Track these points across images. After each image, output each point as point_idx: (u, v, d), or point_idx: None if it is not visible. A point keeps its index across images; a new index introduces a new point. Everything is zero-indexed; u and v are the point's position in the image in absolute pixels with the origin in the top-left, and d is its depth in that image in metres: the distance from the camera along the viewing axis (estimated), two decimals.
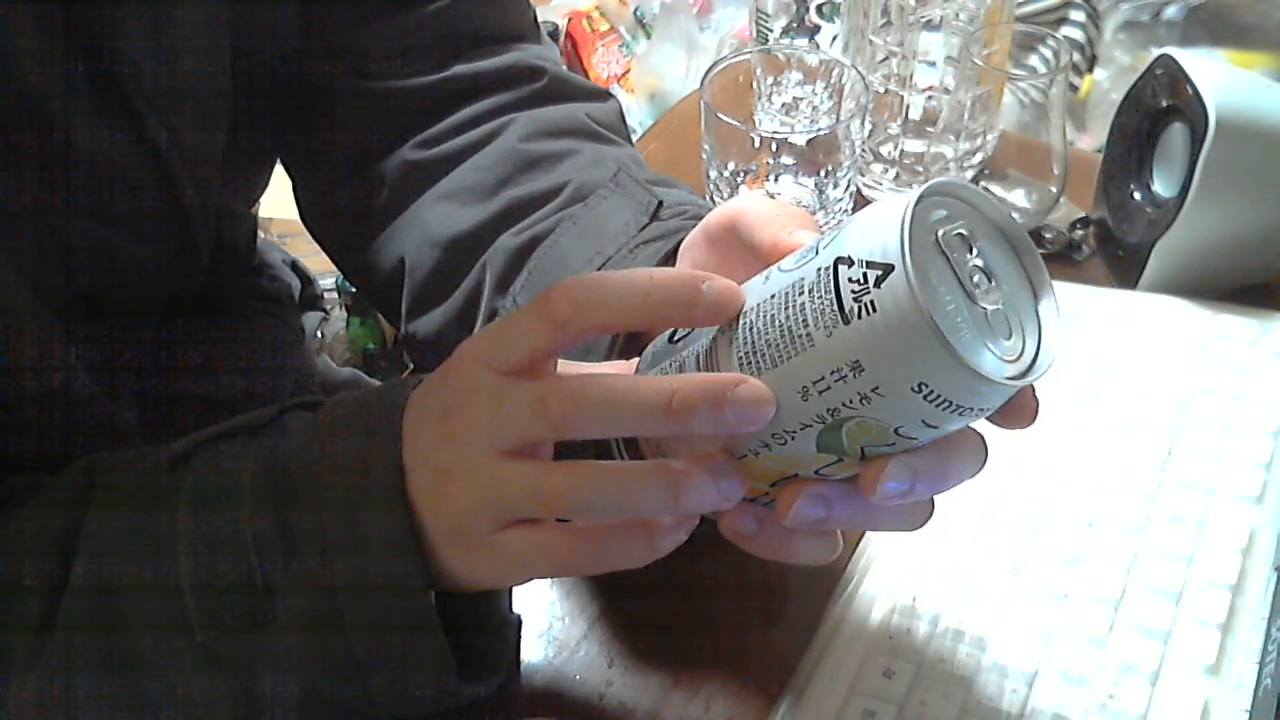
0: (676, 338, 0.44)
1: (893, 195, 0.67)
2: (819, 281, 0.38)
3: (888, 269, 0.36)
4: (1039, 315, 0.40)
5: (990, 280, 0.39)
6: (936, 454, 0.40)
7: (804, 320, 0.38)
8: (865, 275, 0.36)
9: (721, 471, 0.40)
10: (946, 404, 0.37)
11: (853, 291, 0.37)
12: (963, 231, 0.39)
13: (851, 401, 0.37)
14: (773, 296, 0.39)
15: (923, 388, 0.36)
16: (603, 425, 0.41)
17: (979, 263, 0.39)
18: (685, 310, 0.40)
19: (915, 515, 0.44)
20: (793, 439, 0.39)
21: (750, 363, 0.39)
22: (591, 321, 0.41)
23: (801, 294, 0.38)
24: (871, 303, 0.36)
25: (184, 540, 0.44)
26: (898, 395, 0.37)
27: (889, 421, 0.38)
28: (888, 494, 0.39)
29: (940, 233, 0.38)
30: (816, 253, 0.39)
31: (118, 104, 0.54)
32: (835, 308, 0.37)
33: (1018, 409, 0.41)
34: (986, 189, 0.71)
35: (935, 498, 0.43)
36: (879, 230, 0.37)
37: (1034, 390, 0.41)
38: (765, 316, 0.39)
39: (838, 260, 0.37)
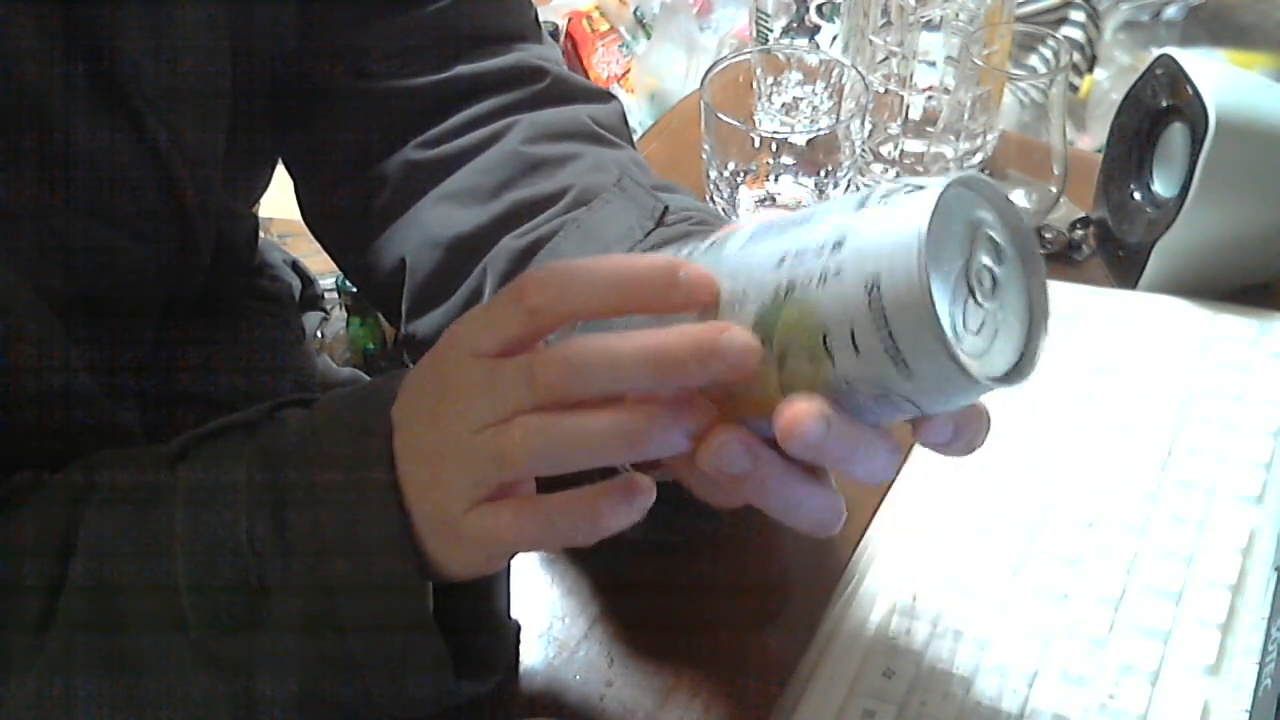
0: None
1: None
2: (859, 191, 0.39)
3: (920, 189, 0.37)
4: (1022, 349, 0.40)
5: (994, 289, 0.39)
6: (854, 427, 0.39)
7: (827, 208, 0.39)
8: (900, 189, 0.38)
9: (685, 410, 0.39)
10: (883, 324, 0.36)
11: (882, 195, 0.38)
12: (996, 239, 0.39)
13: (811, 280, 0.38)
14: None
15: (873, 289, 0.36)
16: (595, 385, 0.40)
17: (996, 270, 0.39)
18: (661, 297, 0.40)
19: (824, 513, 0.42)
20: (741, 308, 0.40)
21: (760, 234, 0.40)
22: (565, 309, 0.41)
23: (842, 195, 0.39)
24: (889, 200, 0.37)
25: (180, 540, 0.45)
26: (850, 285, 0.37)
27: (823, 317, 0.37)
28: (799, 432, 0.38)
29: (978, 221, 0.39)
30: None
31: (118, 104, 0.54)
32: (860, 200, 0.38)
33: (954, 422, 0.40)
34: None
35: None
36: (928, 181, 0.38)
37: (985, 419, 0.41)
38: (802, 208, 0.41)
39: (890, 186, 0.39)
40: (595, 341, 0.40)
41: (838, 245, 0.38)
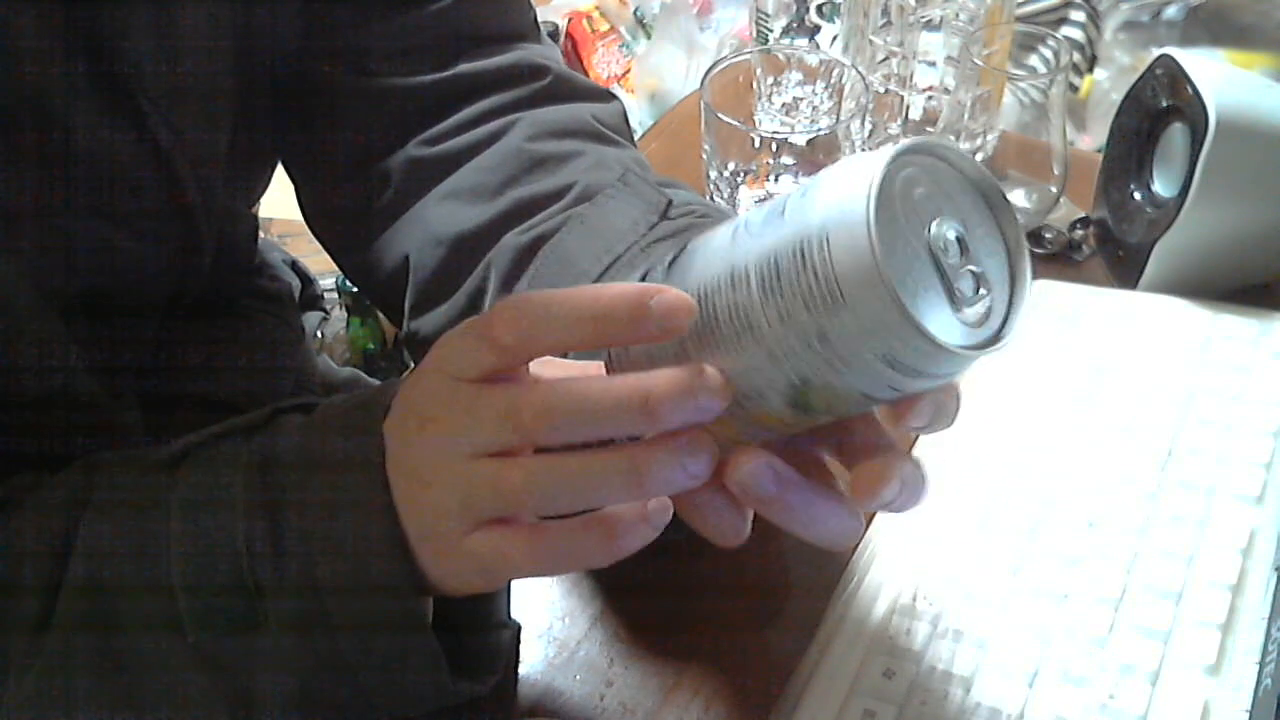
0: None
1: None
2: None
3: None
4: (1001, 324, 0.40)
5: (966, 260, 0.38)
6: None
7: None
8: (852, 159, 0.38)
9: (687, 450, 0.39)
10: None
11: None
12: (963, 209, 0.39)
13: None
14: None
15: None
16: (577, 432, 0.40)
17: (966, 241, 0.38)
18: (633, 328, 0.39)
19: (843, 530, 0.43)
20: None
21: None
22: (537, 346, 0.41)
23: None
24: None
25: (177, 542, 0.45)
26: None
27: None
28: (750, 485, 0.40)
29: (942, 194, 0.38)
30: None
31: (120, 104, 0.54)
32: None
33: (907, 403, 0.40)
34: None
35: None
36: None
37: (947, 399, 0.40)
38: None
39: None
40: (580, 385, 0.40)
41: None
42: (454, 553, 0.43)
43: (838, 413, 0.40)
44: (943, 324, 0.37)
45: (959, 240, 0.38)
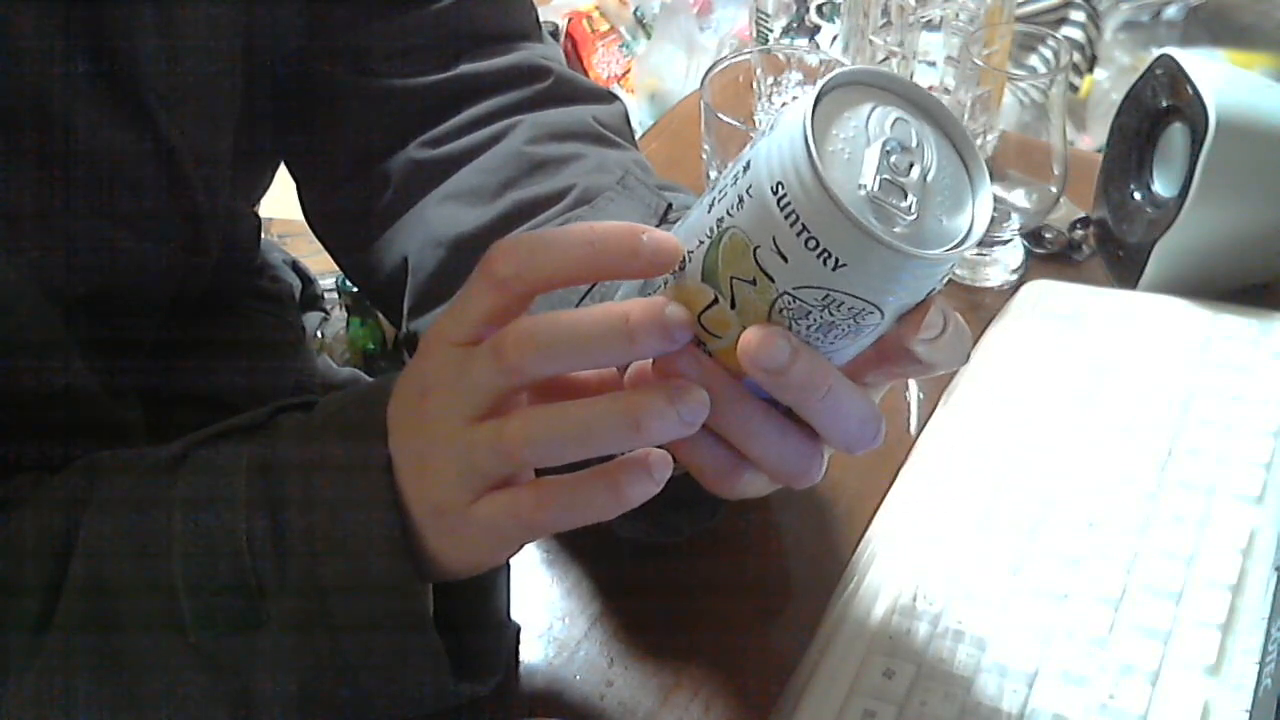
0: None
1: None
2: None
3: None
4: (972, 218, 0.40)
5: (915, 168, 0.39)
6: (818, 355, 0.40)
7: (749, 150, 0.40)
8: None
9: (680, 395, 0.40)
10: (795, 220, 0.37)
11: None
12: (908, 121, 0.39)
13: (732, 208, 0.39)
14: None
15: (779, 189, 0.37)
16: (562, 356, 0.41)
17: (914, 148, 0.39)
18: (626, 262, 0.41)
19: (806, 458, 0.42)
20: (690, 261, 0.40)
21: (702, 195, 0.41)
22: (535, 278, 0.41)
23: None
24: (781, 111, 0.38)
25: (179, 541, 0.45)
26: (760, 196, 0.37)
27: (751, 237, 0.38)
28: (764, 359, 0.39)
29: (881, 109, 0.39)
30: None
31: (122, 103, 0.54)
32: (768, 128, 0.39)
33: (904, 329, 0.40)
34: None
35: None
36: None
37: (941, 317, 0.40)
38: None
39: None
40: (557, 315, 0.41)
41: (746, 169, 0.38)
42: (464, 525, 0.43)
43: (739, 304, 0.40)
44: (907, 233, 0.37)
45: (905, 150, 0.39)
